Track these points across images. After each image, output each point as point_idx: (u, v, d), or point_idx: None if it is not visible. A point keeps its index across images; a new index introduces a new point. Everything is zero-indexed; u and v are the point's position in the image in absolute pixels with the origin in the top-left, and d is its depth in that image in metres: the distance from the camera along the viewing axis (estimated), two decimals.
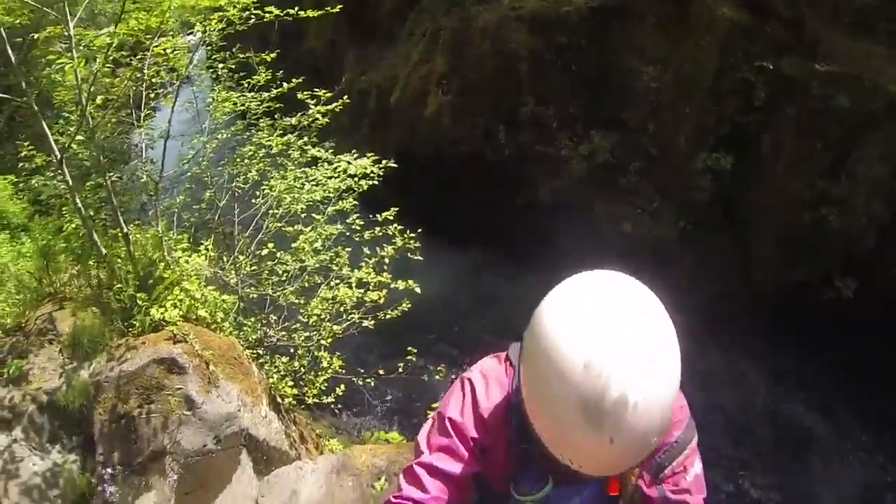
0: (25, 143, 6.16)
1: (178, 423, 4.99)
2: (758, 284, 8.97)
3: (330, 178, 6.45)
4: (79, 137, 5.64)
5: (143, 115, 6.34)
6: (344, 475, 4.62)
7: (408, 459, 4.52)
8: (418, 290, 6.76)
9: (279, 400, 6.35)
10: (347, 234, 6.95)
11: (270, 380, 6.30)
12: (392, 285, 6.79)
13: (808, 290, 8.55)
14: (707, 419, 8.10)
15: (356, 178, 6.85)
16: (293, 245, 6.66)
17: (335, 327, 6.86)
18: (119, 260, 5.66)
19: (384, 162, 6.85)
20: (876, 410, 8.09)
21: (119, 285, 5.52)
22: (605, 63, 9.12)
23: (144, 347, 5.13)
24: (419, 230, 7.14)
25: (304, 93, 6.77)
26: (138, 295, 5.45)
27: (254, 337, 6.59)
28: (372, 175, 6.93)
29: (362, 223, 7.00)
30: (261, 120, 6.79)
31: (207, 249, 6.30)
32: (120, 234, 5.59)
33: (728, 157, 8.71)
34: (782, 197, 8.50)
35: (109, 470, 4.75)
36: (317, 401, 6.94)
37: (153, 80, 6.49)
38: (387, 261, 6.97)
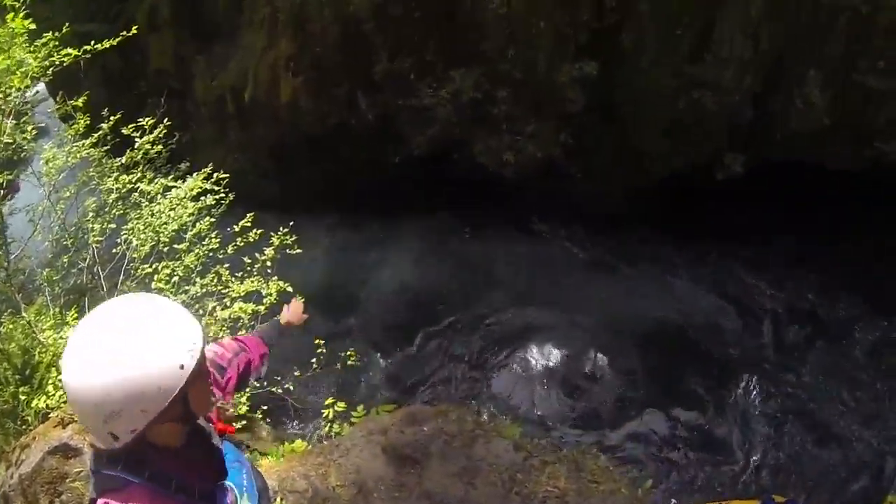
0: None
1: None
2: (652, 180, 9.40)
3: (173, 208, 6.45)
4: None
5: None
6: None
7: (298, 470, 4.93)
8: (290, 288, 6.85)
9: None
10: (212, 254, 7.03)
11: None
12: (264, 291, 6.94)
13: (701, 173, 8.99)
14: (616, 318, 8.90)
15: (203, 198, 6.89)
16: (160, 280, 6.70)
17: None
18: None
19: (215, 175, 7.00)
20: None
21: None
22: (450, 1, 9.09)
23: (36, 442, 5.31)
24: (304, 216, 7.30)
25: (128, 127, 6.74)
26: (20, 390, 5.56)
27: None
28: (215, 189, 6.97)
29: (218, 242, 7.06)
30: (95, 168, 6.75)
31: (76, 318, 6.36)
32: None
33: (592, 63, 8.91)
34: (654, 90, 8.83)
35: None
36: (244, 422, 7.12)
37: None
38: (269, 264, 7.11)
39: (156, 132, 6.84)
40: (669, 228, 9.71)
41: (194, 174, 7.27)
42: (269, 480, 5.03)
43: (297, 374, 7.37)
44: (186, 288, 6.60)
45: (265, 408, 7.43)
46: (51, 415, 5.42)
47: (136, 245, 6.72)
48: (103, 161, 6.98)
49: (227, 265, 7.08)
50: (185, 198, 6.65)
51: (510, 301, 9.34)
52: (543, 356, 8.39)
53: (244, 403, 7.11)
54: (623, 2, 8.67)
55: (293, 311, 3.12)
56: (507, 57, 9.40)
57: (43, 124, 9.90)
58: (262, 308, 6.84)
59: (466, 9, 9.33)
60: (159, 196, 6.93)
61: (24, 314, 6.07)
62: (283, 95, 9.94)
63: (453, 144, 9.99)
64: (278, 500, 4.73)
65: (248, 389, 7.11)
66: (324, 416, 5.92)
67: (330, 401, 5.91)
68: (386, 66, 9.60)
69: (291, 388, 7.45)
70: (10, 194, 7.75)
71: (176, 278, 6.45)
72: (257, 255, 7.10)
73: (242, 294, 6.87)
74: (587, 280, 9.51)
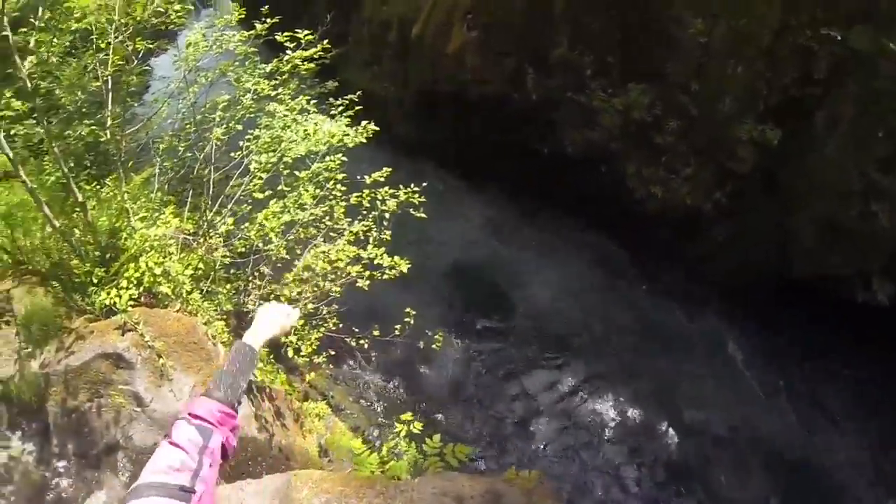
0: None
1: (130, 419, 4.68)
2: (790, 271, 8.05)
3: (304, 138, 5.58)
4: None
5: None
6: None
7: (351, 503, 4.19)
8: (404, 268, 6.14)
9: (251, 377, 5.91)
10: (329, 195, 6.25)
11: None
12: (377, 261, 6.18)
13: (840, 286, 7.63)
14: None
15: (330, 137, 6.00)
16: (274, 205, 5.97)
17: (332, 286, 6.34)
18: (78, 231, 5.06)
19: (364, 124, 5.94)
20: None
21: (75, 261, 4.97)
22: (650, 9, 7.84)
23: (92, 338, 4.74)
24: (431, 176, 6.44)
25: (283, 35, 5.83)
26: (95, 271, 4.93)
27: (228, 306, 6.08)
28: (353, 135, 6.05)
29: (343, 188, 6.23)
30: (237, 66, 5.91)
31: (178, 215, 5.68)
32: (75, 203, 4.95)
33: (776, 130, 7.56)
34: (830, 183, 7.47)
35: (64, 463, 4.54)
36: (306, 359, 6.43)
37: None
38: (387, 216, 6.36)
39: (312, 51, 5.92)
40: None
41: (340, 99, 6.36)
42: (315, 500, 4.33)
43: (376, 332, 6.65)
44: (296, 214, 5.80)
45: (332, 353, 6.71)
46: (115, 317, 4.76)
47: (256, 155, 5.93)
48: (248, 58, 6.13)
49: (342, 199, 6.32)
50: (324, 132, 5.71)
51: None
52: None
53: (313, 342, 6.40)
54: (833, 78, 7.23)
55: (272, 322, 2.08)
56: (689, 89, 8.10)
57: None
58: (364, 253, 6.16)
59: (666, 21, 8.01)
60: (297, 114, 6.08)
61: (123, 185, 5.36)
62: (452, 46, 8.93)
63: (606, 158, 8.79)
64: None
65: (319, 331, 6.49)
66: (396, 430, 5.10)
67: (407, 416, 5.08)
68: (564, 52, 8.44)
69: (366, 345, 6.75)
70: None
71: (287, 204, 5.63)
72: (377, 202, 6.31)
73: (352, 235, 6.25)
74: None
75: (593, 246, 9.31)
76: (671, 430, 7.34)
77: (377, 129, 5.57)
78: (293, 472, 4.64)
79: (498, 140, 9.46)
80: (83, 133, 5.29)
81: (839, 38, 7.21)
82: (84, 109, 5.50)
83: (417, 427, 5.04)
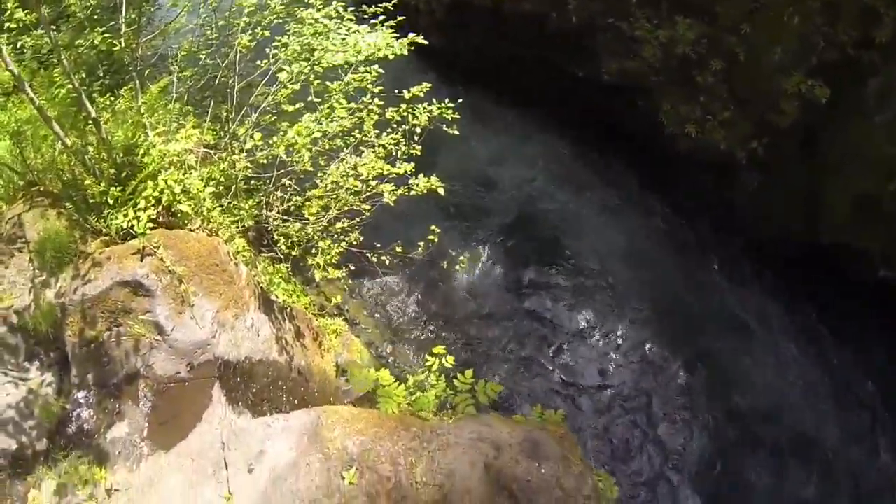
0: None
1: (150, 348, 4.32)
2: (818, 235, 7.52)
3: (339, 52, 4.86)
4: None
5: None
6: (312, 449, 3.96)
7: (386, 447, 3.93)
8: (441, 191, 5.65)
9: (273, 297, 5.55)
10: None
11: (263, 278, 5.41)
12: (412, 180, 5.66)
13: (862, 259, 7.17)
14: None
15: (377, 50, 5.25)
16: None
17: (356, 200, 5.87)
18: (91, 148, 4.45)
19: (410, 36, 5.16)
20: None
21: (89, 180, 4.40)
22: None
23: (109, 265, 4.31)
24: (461, 92, 5.75)
25: None
26: (111, 191, 4.39)
27: (249, 222, 5.58)
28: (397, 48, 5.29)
29: (381, 103, 5.58)
30: None
31: (198, 126, 5.04)
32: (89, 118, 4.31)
33: (825, 88, 6.78)
34: (873, 154, 6.84)
35: (83, 393, 4.24)
36: (324, 274, 6.01)
37: None
38: (418, 130, 5.87)
39: None
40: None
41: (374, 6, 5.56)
42: (348, 441, 4.04)
43: (398, 249, 6.24)
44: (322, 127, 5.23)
45: (352, 268, 6.33)
46: (133, 241, 4.26)
47: (286, 65, 5.22)
48: None
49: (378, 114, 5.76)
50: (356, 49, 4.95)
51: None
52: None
53: (333, 256, 5.93)
54: (894, 46, 6.39)
55: None
56: (741, 32, 7.23)
57: None
58: (394, 170, 5.71)
59: None
60: (330, 21, 5.29)
61: (139, 98, 4.68)
62: None
63: (642, 90, 7.99)
64: (352, 471, 3.75)
65: (340, 245, 6.09)
66: (427, 364, 4.74)
67: (440, 350, 4.71)
68: None
69: (387, 261, 6.34)
70: None
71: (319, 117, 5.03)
72: (409, 115, 5.82)
73: (382, 150, 5.78)
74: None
75: (620, 181, 8.75)
76: (686, 375, 7.12)
77: (424, 41, 4.82)
78: (322, 409, 4.37)
79: (531, 59, 8.61)
80: (96, 41, 4.54)
81: None
82: (96, 16, 4.72)
83: (450, 361, 4.69)
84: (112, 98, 4.83)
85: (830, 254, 7.48)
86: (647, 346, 7.38)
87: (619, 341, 7.40)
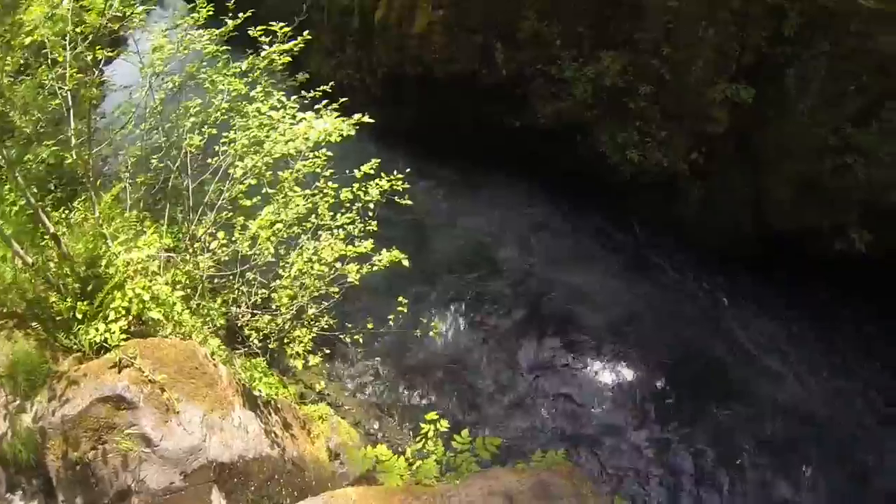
0: None
1: (139, 461, 4.15)
2: (768, 226, 7.93)
3: (289, 141, 5.01)
4: None
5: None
6: None
7: None
8: (406, 262, 5.75)
9: (256, 393, 5.47)
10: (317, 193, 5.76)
11: (242, 375, 5.35)
12: (375, 257, 5.77)
13: (817, 238, 7.55)
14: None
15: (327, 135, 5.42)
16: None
17: (323, 284, 5.90)
18: (52, 264, 4.43)
19: (356, 116, 5.35)
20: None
21: (54, 297, 4.35)
22: None
23: (86, 381, 4.18)
24: (406, 162, 6.01)
25: (256, 29, 5.17)
26: (78, 306, 4.33)
27: (220, 321, 5.56)
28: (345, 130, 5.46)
29: (335, 185, 5.74)
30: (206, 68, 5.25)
31: (158, 233, 5.07)
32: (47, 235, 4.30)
33: (749, 89, 7.31)
34: (804, 138, 7.32)
35: None
36: (303, 362, 6.05)
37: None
38: (371, 206, 5.93)
39: (291, 44, 5.28)
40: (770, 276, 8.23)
41: (312, 91, 5.81)
42: None
43: (370, 326, 6.25)
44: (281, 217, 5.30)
45: (327, 352, 6.35)
46: (108, 354, 4.19)
47: (238, 160, 5.34)
48: (219, 58, 5.46)
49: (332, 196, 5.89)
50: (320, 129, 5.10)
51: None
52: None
53: (307, 343, 5.98)
54: (804, 36, 7.01)
55: None
56: (661, 53, 7.78)
57: None
58: (356, 249, 5.81)
59: None
60: (274, 112, 5.47)
61: (96, 209, 4.70)
62: (417, 26, 8.35)
63: (579, 126, 8.42)
64: None
65: (312, 331, 6.07)
66: (423, 431, 4.72)
67: (432, 416, 4.69)
68: (534, 25, 7.99)
69: (360, 340, 6.32)
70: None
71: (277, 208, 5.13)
72: (360, 193, 5.92)
73: (343, 234, 5.88)
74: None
75: (574, 215, 9.02)
76: (671, 395, 7.21)
77: (370, 120, 5.04)
78: (328, 494, 4.23)
79: (468, 118, 8.99)
80: (44, 156, 4.59)
81: None
82: (42, 129, 4.78)
83: (444, 425, 4.67)
84: (66, 211, 4.83)
85: (787, 241, 7.84)
86: (628, 367, 7.49)
87: (600, 367, 7.48)
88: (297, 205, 5.61)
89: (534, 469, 4.12)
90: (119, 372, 4.21)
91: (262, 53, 5.26)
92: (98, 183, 5.31)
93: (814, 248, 7.63)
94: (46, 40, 3.93)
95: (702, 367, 7.40)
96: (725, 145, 7.92)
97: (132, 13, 4.49)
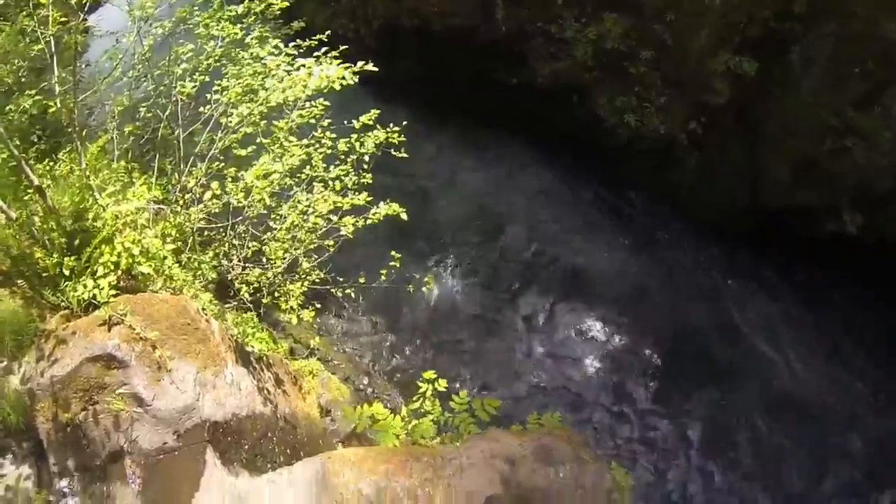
0: None
1: (131, 421, 4.05)
2: (761, 201, 7.90)
3: (286, 88, 4.76)
4: None
5: None
6: (325, 498, 3.83)
7: (401, 482, 3.84)
8: (404, 216, 5.61)
9: (249, 349, 5.39)
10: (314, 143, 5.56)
11: (235, 331, 5.24)
12: (372, 210, 5.63)
13: (811, 218, 7.55)
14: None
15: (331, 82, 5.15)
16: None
17: (313, 237, 5.76)
18: (37, 219, 4.22)
19: (359, 64, 5.07)
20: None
21: (40, 253, 4.16)
22: None
23: (75, 340, 4.03)
24: (402, 116, 5.86)
25: None
26: (65, 261, 4.15)
27: (212, 275, 5.40)
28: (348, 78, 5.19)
29: (333, 136, 5.53)
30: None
31: (148, 185, 4.85)
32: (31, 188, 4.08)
33: (752, 62, 7.16)
34: (805, 118, 7.23)
35: (66, 481, 3.94)
36: (297, 317, 5.92)
37: None
38: (367, 158, 5.81)
39: None
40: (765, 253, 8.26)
41: (309, 39, 5.51)
42: (361, 483, 3.88)
43: (361, 280, 6.15)
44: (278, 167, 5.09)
45: (318, 306, 6.16)
46: (97, 312, 4.03)
47: (228, 108, 5.09)
48: (211, 1, 5.13)
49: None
50: (305, 77, 4.82)
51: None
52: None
53: (298, 297, 5.86)
54: (811, 13, 6.84)
55: None
56: (665, 19, 7.55)
57: None
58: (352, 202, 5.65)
59: None
60: (271, 58, 5.18)
61: (83, 160, 4.45)
62: None
63: (577, 88, 8.22)
64: None
65: (304, 284, 5.96)
66: (420, 390, 4.67)
67: (430, 374, 4.63)
68: None
69: (352, 294, 6.24)
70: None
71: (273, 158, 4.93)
72: (357, 144, 5.75)
73: (339, 185, 5.71)
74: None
75: (568, 177, 8.90)
76: (657, 360, 7.28)
77: (374, 69, 4.81)
78: (325, 455, 4.20)
79: (465, 74, 8.71)
80: (27, 105, 4.30)
81: None
82: (24, 78, 4.47)
83: (442, 385, 4.63)
84: (51, 163, 4.58)
85: (781, 218, 7.85)
86: (621, 335, 7.51)
87: (594, 334, 7.51)
88: (294, 155, 5.39)
89: (535, 433, 4.12)
90: (109, 330, 4.05)
91: None
92: (84, 133, 5.04)
93: (807, 227, 7.64)
94: None
95: (697, 343, 7.46)
96: (725, 117, 7.80)
97: None
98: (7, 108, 4.33)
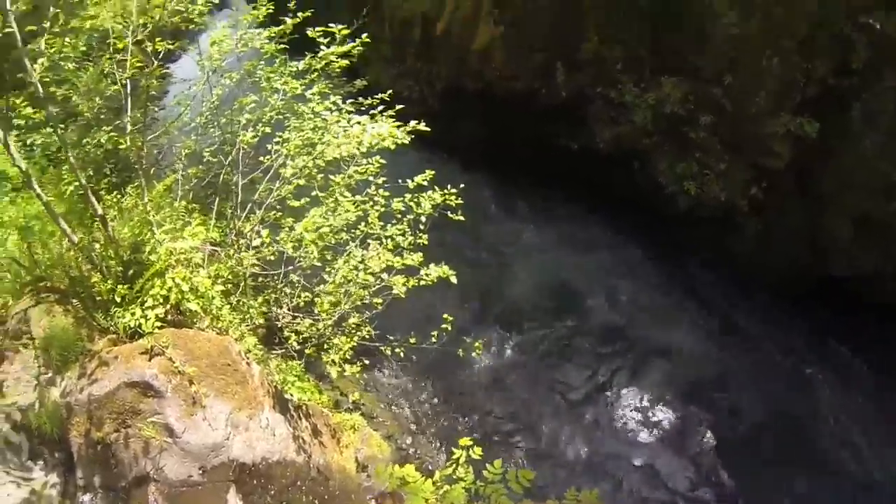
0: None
1: (160, 450, 4.05)
2: (827, 266, 7.39)
3: (341, 144, 4.89)
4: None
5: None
6: None
7: None
8: (454, 279, 5.52)
9: (288, 396, 5.33)
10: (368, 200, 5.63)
11: (276, 377, 5.22)
12: (423, 271, 5.59)
13: (878, 282, 7.00)
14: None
15: (381, 140, 5.26)
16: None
17: (366, 293, 5.74)
18: (98, 245, 4.42)
19: (412, 124, 5.19)
20: None
21: (96, 277, 4.33)
22: (681, 1, 7.15)
23: (116, 364, 4.12)
24: (461, 178, 5.88)
25: (315, 30, 5.12)
26: (118, 289, 4.30)
27: (259, 320, 5.45)
28: (400, 137, 5.30)
29: (387, 194, 5.58)
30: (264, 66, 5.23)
31: (204, 223, 5.03)
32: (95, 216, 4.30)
33: (813, 123, 6.88)
34: (868, 176, 6.84)
35: (89, 496, 3.99)
36: (339, 370, 5.85)
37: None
38: (423, 219, 5.81)
39: (349, 46, 5.21)
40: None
41: (370, 98, 5.70)
42: None
43: (412, 340, 6.06)
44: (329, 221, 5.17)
45: (366, 362, 6.13)
46: (141, 340, 4.12)
47: (290, 160, 5.27)
48: (276, 57, 5.45)
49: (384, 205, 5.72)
50: (374, 133, 4.95)
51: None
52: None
53: (346, 351, 5.80)
54: (872, 67, 6.57)
55: None
56: (723, 82, 7.45)
57: None
58: (404, 261, 5.65)
59: (697, 14, 7.34)
60: (330, 114, 5.38)
61: (145, 196, 4.68)
62: (478, 42, 8.26)
63: (637, 153, 8.13)
64: None
65: (353, 339, 5.91)
66: (455, 456, 4.47)
67: (466, 441, 4.45)
68: (595, 46, 7.80)
69: (402, 353, 6.19)
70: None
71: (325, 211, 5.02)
72: (413, 204, 5.77)
73: (392, 244, 5.72)
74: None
75: (629, 243, 8.65)
76: (717, 436, 6.70)
77: (427, 129, 4.89)
78: None
79: (526, 137, 8.81)
80: (102, 140, 4.64)
81: (878, 26, 6.56)
82: (102, 116, 4.86)
83: (477, 453, 4.39)
84: (118, 196, 4.86)
85: (844, 287, 7.29)
86: (677, 412, 7.00)
87: (648, 409, 7.02)
88: (347, 210, 5.48)
89: None
90: (150, 359, 4.14)
91: (320, 54, 5.20)
92: (151, 171, 5.35)
93: (873, 293, 7.07)
94: (110, 29, 3.97)
95: (760, 424, 6.85)
96: (787, 180, 7.46)
97: (192, 8, 4.51)
98: (84, 140, 4.68)
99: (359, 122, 5.33)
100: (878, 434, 6.71)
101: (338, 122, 5.31)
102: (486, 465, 4.19)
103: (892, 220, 6.83)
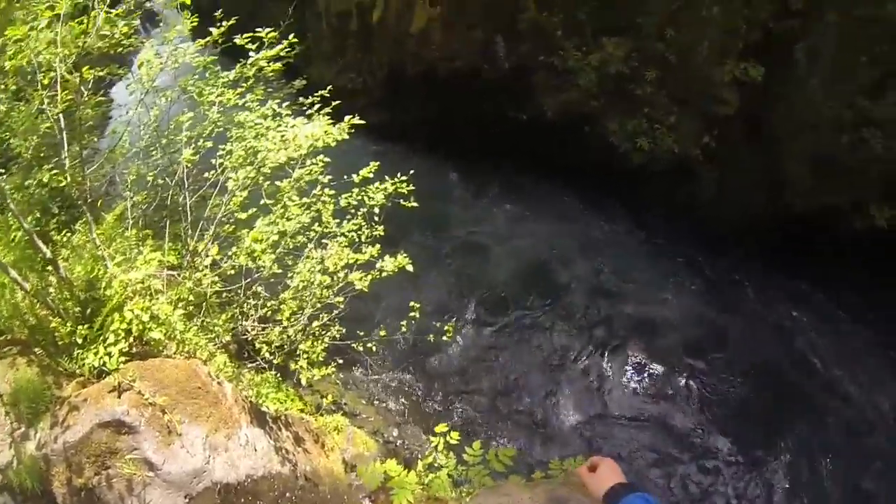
0: None
1: (144, 485, 4.07)
2: (786, 207, 7.59)
3: (280, 149, 4.86)
4: None
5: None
6: None
7: None
8: (410, 268, 5.58)
9: (265, 408, 5.36)
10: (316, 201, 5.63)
11: (250, 392, 5.24)
12: (379, 263, 5.60)
13: (838, 216, 7.19)
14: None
15: (321, 138, 5.23)
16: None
17: (330, 293, 5.76)
18: (52, 289, 4.36)
19: (347, 119, 5.17)
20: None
21: (55, 322, 4.29)
22: None
23: (86, 407, 4.10)
24: (415, 166, 5.90)
25: (242, 37, 5.03)
26: (78, 330, 4.26)
27: (227, 337, 5.45)
28: (336, 134, 5.27)
29: (332, 192, 5.59)
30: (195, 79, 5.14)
31: (157, 249, 4.98)
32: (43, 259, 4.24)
33: (758, 67, 6.98)
34: (818, 115, 6.98)
35: None
36: (309, 375, 5.87)
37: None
38: (377, 210, 5.82)
39: (277, 49, 5.13)
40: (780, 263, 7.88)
41: (310, 97, 5.65)
42: None
43: (382, 333, 6.12)
44: (278, 228, 5.17)
45: (340, 362, 6.20)
46: (108, 378, 4.10)
47: (232, 172, 5.22)
48: (208, 68, 5.35)
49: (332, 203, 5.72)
50: (306, 135, 4.91)
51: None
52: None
53: (318, 354, 5.85)
54: (811, 8, 6.68)
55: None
56: (665, 37, 7.51)
57: (158, 14, 8.18)
58: (361, 257, 5.64)
59: None
60: (268, 119, 5.33)
61: (93, 231, 4.62)
62: (415, 25, 8.19)
63: (586, 117, 8.18)
64: None
65: (323, 341, 5.94)
66: (433, 444, 4.56)
67: (442, 427, 4.53)
68: (533, 15, 7.75)
69: (373, 348, 6.22)
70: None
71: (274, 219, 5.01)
72: (364, 198, 5.78)
73: (346, 240, 5.72)
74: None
75: (589, 208, 8.74)
76: (693, 391, 6.90)
77: (362, 122, 4.86)
78: None
79: (474, 115, 8.79)
80: (44, 179, 4.53)
81: None
82: (42, 154, 4.73)
83: (454, 437, 4.50)
84: (69, 234, 4.78)
85: (809, 225, 7.50)
86: (659, 373, 7.18)
87: (628, 373, 7.19)
88: (296, 214, 5.46)
89: (549, 483, 3.91)
90: (119, 396, 4.12)
91: (250, 61, 5.12)
92: (100, 203, 5.25)
93: (834, 228, 7.28)
94: (35, 64, 3.85)
95: (745, 375, 7.04)
96: (739, 127, 7.60)
97: (117, 31, 4.38)
98: (27, 182, 4.58)
99: (294, 125, 5.29)
100: (865, 374, 6.96)
101: (276, 127, 5.26)
102: (466, 448, 4.30)
103: (845, 156, 7.03)
